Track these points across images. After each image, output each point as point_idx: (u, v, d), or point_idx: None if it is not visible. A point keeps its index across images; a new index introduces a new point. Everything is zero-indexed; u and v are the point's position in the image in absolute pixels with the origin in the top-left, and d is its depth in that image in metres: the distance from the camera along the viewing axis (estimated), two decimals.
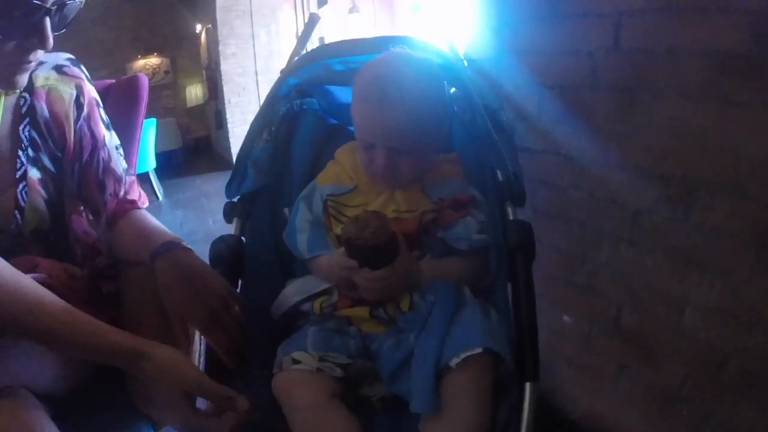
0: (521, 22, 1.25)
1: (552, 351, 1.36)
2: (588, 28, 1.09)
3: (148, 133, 4.66)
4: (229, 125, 6.19)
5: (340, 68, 0.89)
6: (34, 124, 0.82)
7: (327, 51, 0.90)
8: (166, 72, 8.23)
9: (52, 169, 0.85)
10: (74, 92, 0.87)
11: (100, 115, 0.92)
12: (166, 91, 8.24)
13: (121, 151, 0.95)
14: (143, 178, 4.72)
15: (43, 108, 0.83)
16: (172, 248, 0.77)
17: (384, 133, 0.74)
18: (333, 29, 5.07)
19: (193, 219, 3.93)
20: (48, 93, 0.84)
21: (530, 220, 0.77)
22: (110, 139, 0.92)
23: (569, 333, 1.32)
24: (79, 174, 0.88)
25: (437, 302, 0.69)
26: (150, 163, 4.72)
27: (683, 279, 1.01)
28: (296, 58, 0.96)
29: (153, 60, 8.13)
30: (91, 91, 0.91)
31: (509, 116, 0.89)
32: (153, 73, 8.11)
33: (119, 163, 0.93)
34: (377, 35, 0.87)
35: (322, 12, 4.55)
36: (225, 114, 6.24)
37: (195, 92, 8.16)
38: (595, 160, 1.14)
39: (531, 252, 0.75)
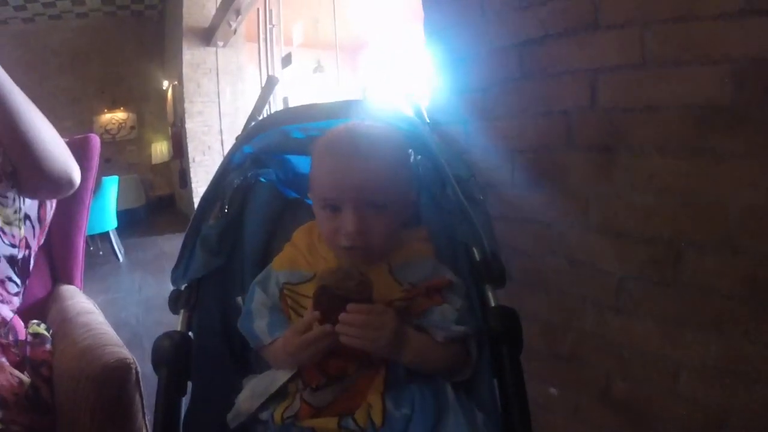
0: (491, 85, 1.22)
1: (539, 426, 1.27)
2: (562, 87, 1.07)
3: (110, 192, 4.51)
4: (193, 184, 6.15)
5: (299, 135, 0.82)
6: None
7: (285, 116, 0.83)
8: (132, 127, 8.25)
9: None
10: None
11: None
12: (131, 146, 8.25)
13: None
14: (103, 238, 4.60)
15: None
16: None
17: (355, 185, 0.67)
18: (298, 89, 5.16)
19: (152, 282, 3.74)
20: None
21: (507, 289, 0.72)
22: None
23: (556, 406, 1.24)
24: None
25: (414, 416, 0.60)
26: (111, 222, 4.55)
27: (676, 342, 0.96)
28: (252, 123, 0.88)
29: (119, 114, 8.15)
30: None
31: (481, 185, 0.83)
32: (119, 127, 8.16)
33: None
34: (338, 99, 0.82)
35: (287, 72, 4.61)
36: (189, 173, 6.21)
37: (160, 149, 8.16)
38: (573, 225, 1.09)
39: (518, 342, 0.67)
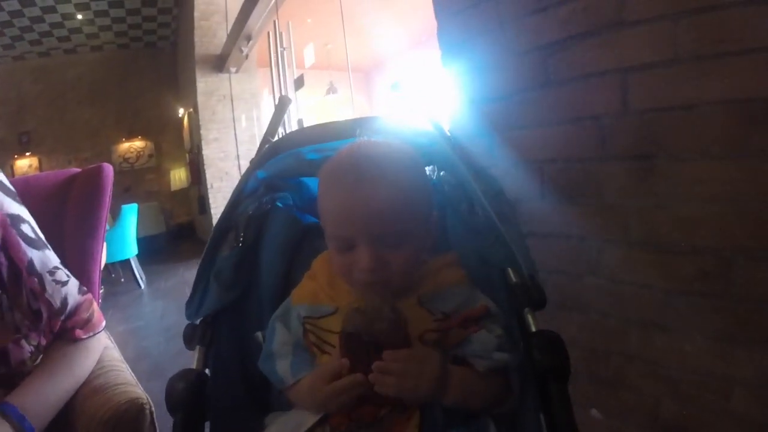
0: (512, 94, 1.18)
1: None
2: (590, 91, 1.02)
3: (130, 219, 4.58)
4: (212, 210, 6.24)
5: (313, 157, 0.78)
6: None
7: (298, 138, 0.80)
8: (150, 155, 8.47)
9: None
10: None
11: (23, 233, 0.79)
12: (150, 174, 8.48)
13: (59, 275, 0.82)
14: (125, 265, 4.65)
15: None
16: (4, 411, 0.70)
17: (365, 220, 0.60)
18: (311, 111, 5.20)
19: (174, 310, 3.74)
20: None
21: (540, 312, 0.66)
22: (41, 262, 0.80)
23: None
24: (2, 302, 0.77)
25: None
26: (132, 250, 4.61)
27: (728, 359, 0.91)
28: (265, 146, 0.84)
29: (137, 143, 8.38)
30: (4, 207, 0.78)
31: (512, 202, 0.78)
32: (137, 156, 8.39)
33: (56, 292, 0.80)
34: (351, 118, 0.79)
35: (300, 95, 4.64)
36: (208, 199, 6.30)
37: (179, 176, 8.33)
38: (612, 241, 1.04)
39: (565, 371, 0.61)
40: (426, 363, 0.58)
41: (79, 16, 6.72)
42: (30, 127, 7.46)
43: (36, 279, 0.78)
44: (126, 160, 8.06)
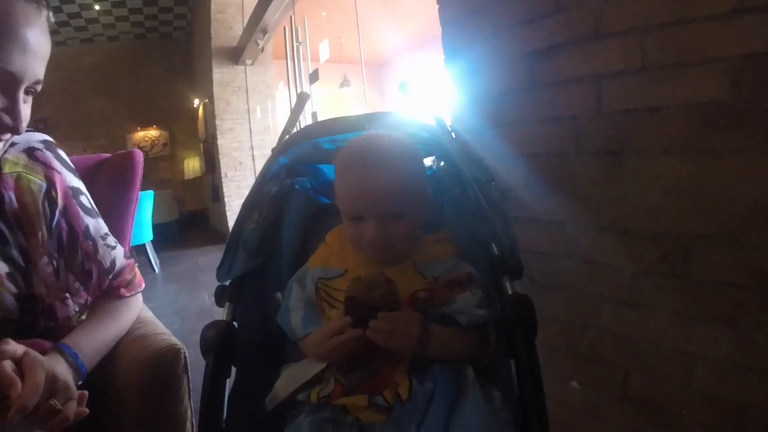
0: (503, 95, 1.28)
1: (559, 422, 1.30)
2: (569, 94, 1.11)
3: (146, 206, 4.69)
4: (225, 199, 6.27)
5: (328, 147, 0.90)
6: (1, 215, 0.79)
7: (316, 130, 0.91)
8: (165, 144, 8.44)
9: (21, 263, 0.81)
10: (44, 184, 0.84)
11: (81, 203, 0.89)
12: (163, 163, 8.44)
13: (109, 240, 0.92)
14: (140, 250, 4.76)
15: (11, 198, 0.80)
16: (60, 349, 0.76)
17: (372, 198, 0.74)
18: (325, 103, 5.24)
19: (188, 293, 3.87)
20: (17, 181, 0.81)
21: (528, 290, 0.75)
22: (95, 228, 0.90)
23: (576, 402, 1.27)
24: (57, 265, 0.86)
25: (437, 390, 0.66)
26: (147, 235, 4.73)
27: (690, 336, 0.98)
28: (286, 137, 0.96)
29: (152, 132, 8.37)
30: (66, 180, 0.87)
31: (500, 188, 0.88)
32: (152, 145, 8.34)
33: (107, 254, 0.90)
34: (365, 113, 0.89)
35: (314, 87, 4.72)
36: (221, 188, 6.32)
37: (192, 165, 8.30)
38: (586, 226, 1.13)
39: (532, 327, 0.72)
40: (410, 323, 0.69)
41: (97, 7, 6.77)
42: (46, 114, 7.46)
43: (91, 243, 0.88)
44: (141, 148, 7.98)
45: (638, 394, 1.11)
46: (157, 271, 4.76)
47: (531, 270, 1.29)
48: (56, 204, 0.84)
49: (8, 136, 0.70)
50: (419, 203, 0.79)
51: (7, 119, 0.66)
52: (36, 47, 0.67)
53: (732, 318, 0.91)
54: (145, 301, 1.05)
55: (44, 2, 0.69)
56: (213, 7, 5.97)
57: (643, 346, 1.08)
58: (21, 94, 0.67)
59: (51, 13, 0.71)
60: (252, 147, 6.31)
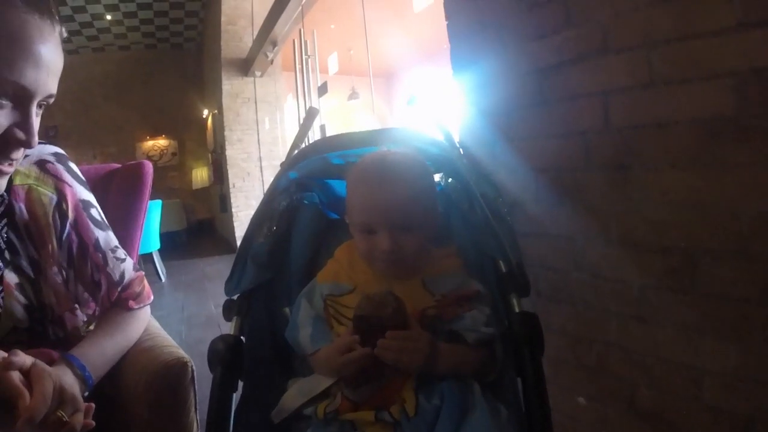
0: (513, 110, 1.28)
1: None
2: (577, 109, 1.11)
3: (154, 215, 4.72)
4: (233, 209, 6.30)
5: (338, 161, 0.90)
6: (12, 225, 0.80)
7: (326, 144, 0.91)
8: (174, 154, 8.51)
9: (31, 273, 0.81)
10: (54, 197, 0.84)
11: (92, 216, 0.90)
12: (172, 172, 8.51)
13: (119, 252, 0.93)
14: (147, 259, 4.78)
15: (22, 209, 0.80)
16: (68, 360, 0.76)
17: (386, 210, 0.75)
18: (334, 115, 5.26)
19: (195, 302, 3.88)
20: (27, 193, 0.81)
21: (535, 304, 0.76)
22: (105, 241, 0.91)
23: (584, 416, 1.26)
24: (67, 275, 0.86)
25: (444, 407, 0.66)
26: (154, 244, 4.76)
27: (697, 350, 0.97)
28: (296, 151, 0.97)
29: (161, 141, 8.45)
30: (77, 193, 0.88)
31: (507, 204, 0.88)
32: (161, 154, 8.41)
33: (116, 267, 0.91)
34: (374, 128, 0.89)
35: (323, 100, 4.75)
36: (229, 198, 6.35)
37: (201, 175, 8.36)
38: (595, 240, 1.13)
39: (539, 345, 0.72)
40: (419, 342, 0.70)
41: (108, 17, 6.88)
42: (57, 122, 7.54)
43: (100, 255, 0.89)
44: (149, 157, 8.10)
45: (646, 407, 1.10)
46: (163, 279, 4.78)
47: (539, 284, 1.29)
48: (67, 216, 0.85)
49: (21, 152, 0.70)
50: (429, 217, 0.80)
51: (20, 134, 0.67)
52: (49, 62, 0.68)
53: (739, 331, 0.91)
54: (152, 309, 1.05)
55: (57, 18, 0.70)
56: (223, 18, 6.05)
57: (650, 360, 1.07)
58: (34, 108, 0.68)
59: (64, 29, 0.72)
60: (260, 158, 6.35)
